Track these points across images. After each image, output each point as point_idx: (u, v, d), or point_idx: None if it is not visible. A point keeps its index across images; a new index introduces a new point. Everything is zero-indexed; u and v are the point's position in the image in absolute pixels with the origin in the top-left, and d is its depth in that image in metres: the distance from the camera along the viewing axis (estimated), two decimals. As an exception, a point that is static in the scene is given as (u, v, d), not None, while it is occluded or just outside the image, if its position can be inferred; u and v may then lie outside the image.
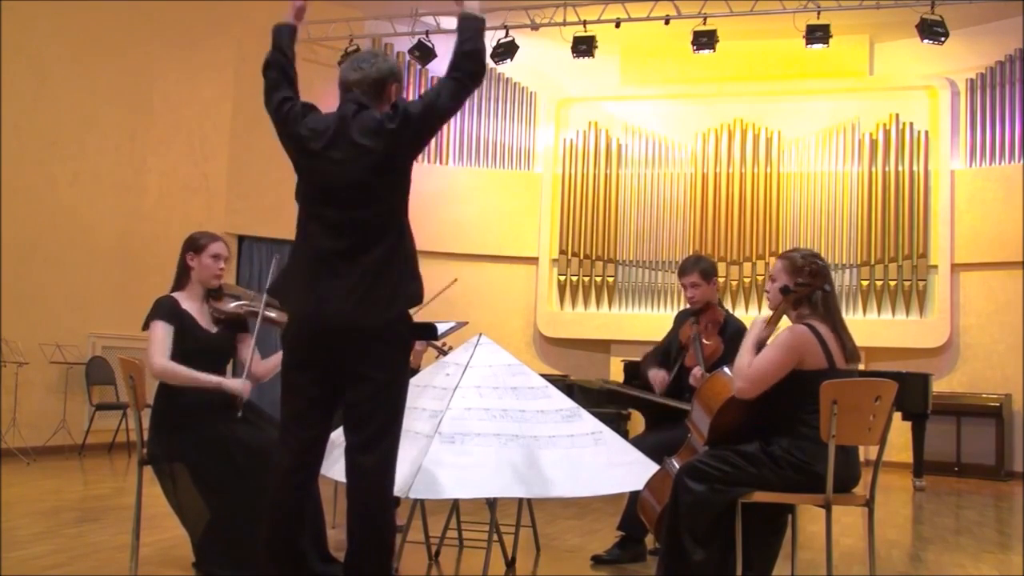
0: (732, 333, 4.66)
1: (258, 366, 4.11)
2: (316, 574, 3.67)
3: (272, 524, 3.00)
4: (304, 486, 3.03)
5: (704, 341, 4.68)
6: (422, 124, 3.02)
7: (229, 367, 4.30)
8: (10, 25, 8.53)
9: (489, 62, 11.10)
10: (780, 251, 11.27)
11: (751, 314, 10.90)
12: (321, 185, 3.03)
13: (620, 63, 12.22)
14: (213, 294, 4.11)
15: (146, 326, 3.98)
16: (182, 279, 4.09)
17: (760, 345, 3.59)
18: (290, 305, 3.11)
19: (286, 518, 3.00)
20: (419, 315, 5.74)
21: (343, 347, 2.97)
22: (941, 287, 11.01)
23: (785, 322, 3.67)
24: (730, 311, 4.93)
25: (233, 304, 4.11)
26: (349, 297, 2.94)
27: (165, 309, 3.96)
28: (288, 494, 3.00)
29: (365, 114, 3.04)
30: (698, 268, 4.78)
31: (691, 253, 11.55)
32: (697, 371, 4.56)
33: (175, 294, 4.06)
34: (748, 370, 3.45)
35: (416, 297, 3.05)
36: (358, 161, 2.98)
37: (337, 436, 3.33)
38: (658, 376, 4.83)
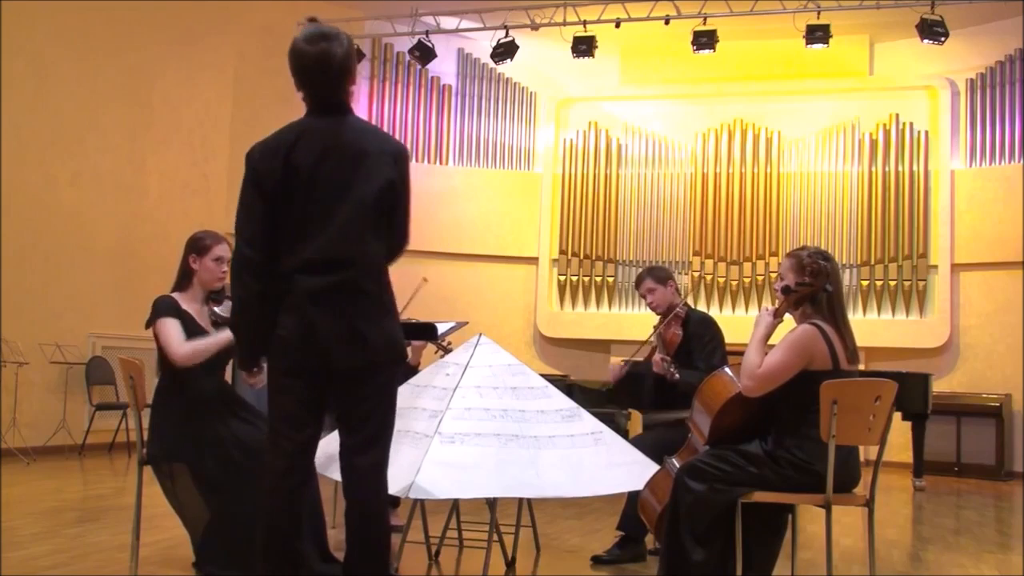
0: (694, 323, 4.84)
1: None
2: (316, 574, 3.68)
3: (269, 527, 2.99)
4: (299, 488, 3.01)
5: (665, 331, 4.85)
6: None
7: (229, 370, 4.28)
8: (10, 25, 8.52)
9: (489, 62, 11.17)
10: (780, 251, 11.32)
11: (751, 314, 10.90)
12: None
13: (620, 63, 12.22)
14: (214, 296, 4.09)
15: (149, 325, 3.96)
16: (183, 281, 4.04)
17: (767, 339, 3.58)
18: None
19: (283, 521, 2.98)
20: (417, 315, 5.77)
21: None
22: (941, 287, 11.01)
23: (790, 318, 3.66)
24: (692, 307, 5.06)
25: (231, 309, 4.09)
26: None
27: (167, 307, 3.95)
28: (283, 497, 2.98)
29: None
30: (651, 275, 4.96)
31: (690, 254, 11.63)
32: (656, 357, 4.72)
33: (175, 294, 4.03)
34: (758, 370, 3.44)
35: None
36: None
37: (334, 436, 3.33)
38: (614, 367, 5.02)
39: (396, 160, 3.00)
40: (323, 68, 2.94)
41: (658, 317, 4.99)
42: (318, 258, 2.92)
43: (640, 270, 5.18)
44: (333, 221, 2.92)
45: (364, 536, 2.96)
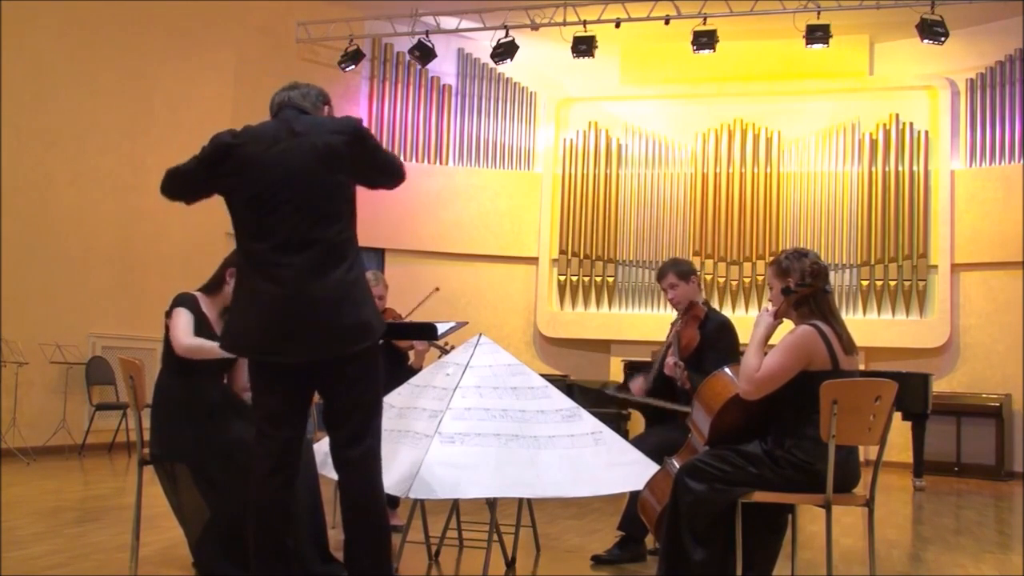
0: (711, 326, 4.76)
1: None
2: (316, 574, 3.68)
3: (259, 527, 2.98)
4: (287, 486, 3.01)
5: (682, 332, 4.77)
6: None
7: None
8: (10, 25, 8.52)
9: (489, 62, 11.18)
10: (780, 251, 11.31)
11: (751, 314, 10.90)
12: None
13: (620, 63, 12.22)
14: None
15: (168, 315, 3.97)
16: (213, 289, 4.03)
17: (766, 340, 3.57)
18: None
19: (272, 520, 2.98)
20: (419, 315, 5.78)
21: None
22: (941, 287, 11.02)
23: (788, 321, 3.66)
24: (714, 308, 4.99)
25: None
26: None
27: (185, 301, 3.96)
28: (271, 495, 2.98)
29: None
30: (674, 269, 4.87)
31: (690, 254, 11.63)
32: (670, 360, 4.66)
33: (199, 294, 4.04)
34: (756, 374, 3.43)
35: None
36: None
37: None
38: (635, 384, 4.92)
39: (342, 131, 3.00)
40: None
41: (673, 314, 4.94)
42: (280, 245, 2.92)
43: (663, 262, 5.04)
44: (290, 207, 2.92)
45: (363, 529, 2.97)
